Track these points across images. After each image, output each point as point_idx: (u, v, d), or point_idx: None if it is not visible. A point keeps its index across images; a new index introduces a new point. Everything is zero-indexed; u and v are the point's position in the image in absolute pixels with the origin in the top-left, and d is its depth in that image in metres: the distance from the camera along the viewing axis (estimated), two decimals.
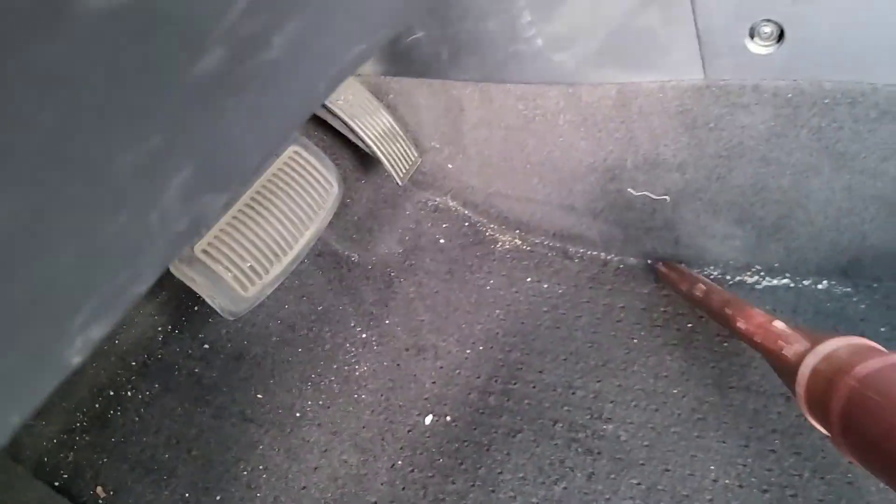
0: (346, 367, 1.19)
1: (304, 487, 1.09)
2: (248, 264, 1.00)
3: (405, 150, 1.23)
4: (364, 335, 1.22)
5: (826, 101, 0.93)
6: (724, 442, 0.99)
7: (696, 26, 0.92)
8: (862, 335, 0.72)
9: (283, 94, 0.38)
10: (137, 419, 1.10)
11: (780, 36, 0.89)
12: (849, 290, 1.10)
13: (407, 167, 1.23)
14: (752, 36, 0.91)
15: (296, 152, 1.11)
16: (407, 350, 1.21)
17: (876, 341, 0.71)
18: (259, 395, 1.14)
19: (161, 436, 1.09)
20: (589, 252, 1.28)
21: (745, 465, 0.96)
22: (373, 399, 1.16)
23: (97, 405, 1.11)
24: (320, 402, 1.15)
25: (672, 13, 0.91)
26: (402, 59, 1.17)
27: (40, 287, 0.28)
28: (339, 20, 0.38)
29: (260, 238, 1.02)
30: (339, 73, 0.44)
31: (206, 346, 1.18)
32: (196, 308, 1.22)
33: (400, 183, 1.21)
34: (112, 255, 0.32)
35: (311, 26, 0.34)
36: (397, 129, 1.22)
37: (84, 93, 0.25)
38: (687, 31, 0.93)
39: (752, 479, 0.95)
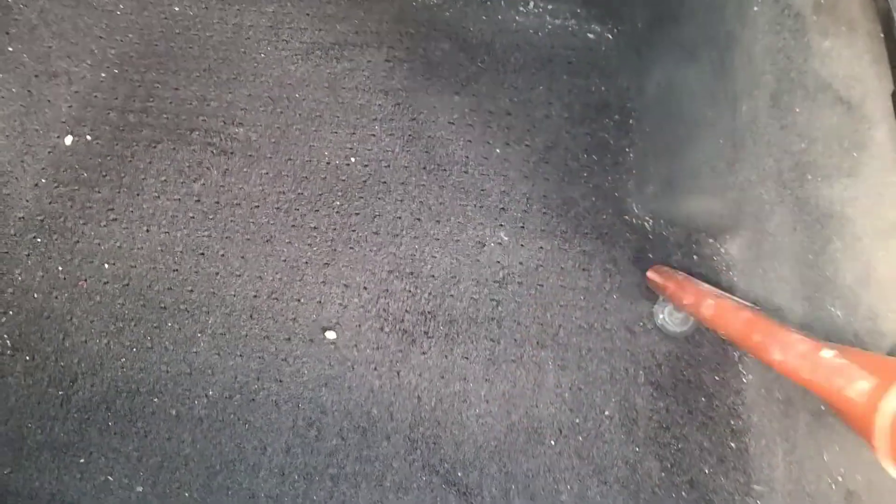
0: None
1: None
2: None
3: None
4: None
5: None
6: (336, 132, 1.19)
7: None
8: None
9: None
10: None
11: None
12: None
13: None
14: None
15: None
16: (37, 76, 1.20)
17: None
18: None
19: None
20: None
21: (351, 149, 1.18)
22: (5, 125, 1.16)
23: None
24: None
25: None
26: None
27: None
28: None
29: None
30: None
31: None
32: None
33: None
34: None
35: None
36: None
37: None
38: None
39: (355, 159, 1.17)
